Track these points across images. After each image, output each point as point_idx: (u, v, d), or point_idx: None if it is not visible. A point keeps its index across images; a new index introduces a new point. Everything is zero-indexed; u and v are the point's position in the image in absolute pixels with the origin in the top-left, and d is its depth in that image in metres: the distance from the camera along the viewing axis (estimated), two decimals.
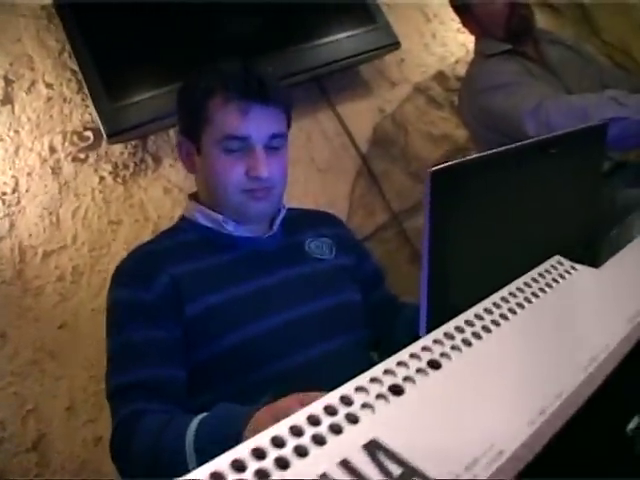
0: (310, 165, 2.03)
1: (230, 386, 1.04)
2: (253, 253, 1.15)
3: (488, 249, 0.53)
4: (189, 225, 1.19)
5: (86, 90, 1.70)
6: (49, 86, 1.79)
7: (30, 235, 1.74)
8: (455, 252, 0.51)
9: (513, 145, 0.53)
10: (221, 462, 0.36)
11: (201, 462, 0.39)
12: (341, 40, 1.99)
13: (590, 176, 0.68)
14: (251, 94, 1.07)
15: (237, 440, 0.46)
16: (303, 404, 0.59)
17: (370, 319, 1.20)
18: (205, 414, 0.87)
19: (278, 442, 0.37)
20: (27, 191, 1.77)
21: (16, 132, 1.81)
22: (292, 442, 0.38)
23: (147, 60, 1.80)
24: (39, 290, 1.69)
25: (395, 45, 2.12)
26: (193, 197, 1.22)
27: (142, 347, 1.00)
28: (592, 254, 0.71)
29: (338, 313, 1.16)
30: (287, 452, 0.37)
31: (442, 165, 0.47)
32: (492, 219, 0.53)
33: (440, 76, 2.36)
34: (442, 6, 2.43)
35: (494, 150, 0.52)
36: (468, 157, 0.50)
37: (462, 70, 2.17)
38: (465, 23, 1.95)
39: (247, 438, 0.41)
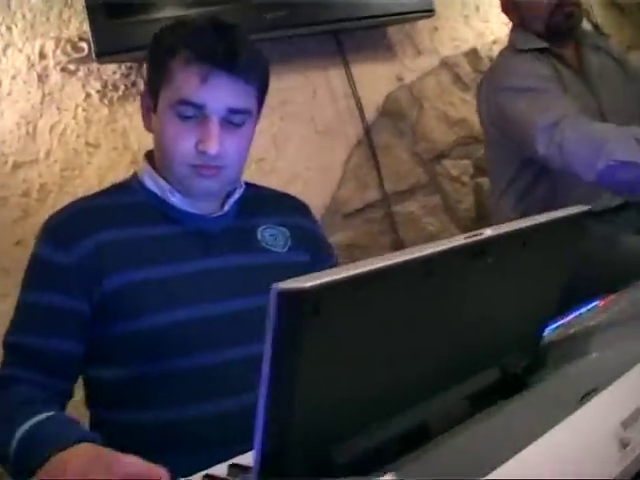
0: (309, 124, 1.96)
1: (147, 367, 1.00)
2: (195, 231, 1.10)
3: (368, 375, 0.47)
4: (138, 185, 1.13)
5: None
6: None
7: (3, 142, 1.69)
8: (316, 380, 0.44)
9: (422, 253, 0.46)
10: None
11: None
12: None
13: (553, 273, 0.61)
14: (216, 59, 0.99)
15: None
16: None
17: None
18: (41, 417, 0.84)
19: None
20: (9, 94, 1.73)
21: (8, 29, 1.76)
22: None
23: None
24: (2, 202, 1.65)
25: (429, 12, 2.01)
26: (147, 156, 1.14)
27: (42, 312, 1.02)
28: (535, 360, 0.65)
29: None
30: None
31: (293, 287, 0.40)
32: (375, 344, 0.47)
33: (473, 54, 2.25)
34: None
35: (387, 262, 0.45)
36: (334, 276, 0.42)
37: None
38: (504, 7, 1.82)
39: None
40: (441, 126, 2.13)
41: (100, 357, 1.04)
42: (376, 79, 2.09)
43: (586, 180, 1.41)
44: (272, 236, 1.17)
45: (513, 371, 0.62)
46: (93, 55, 1.70)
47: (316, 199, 1.93)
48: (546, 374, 0.64)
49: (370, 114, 2.06)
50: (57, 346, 0.99)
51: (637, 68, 1.91)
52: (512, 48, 1.80)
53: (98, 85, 1.82)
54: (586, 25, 2.58)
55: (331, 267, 1.25)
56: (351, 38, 2.05)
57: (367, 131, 2.01)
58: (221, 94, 1.01)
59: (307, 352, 0.42)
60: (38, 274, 1.04)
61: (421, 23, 2.17)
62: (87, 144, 1.79)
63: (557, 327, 0.82)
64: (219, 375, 1.01)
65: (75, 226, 1.05)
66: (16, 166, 1.72)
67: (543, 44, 1.73)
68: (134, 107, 1.82)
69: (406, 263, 0.44)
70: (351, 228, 1.95)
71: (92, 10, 1.67)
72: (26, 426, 0.82)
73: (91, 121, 1.80)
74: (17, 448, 0.81)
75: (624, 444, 0.47)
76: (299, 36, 1.94)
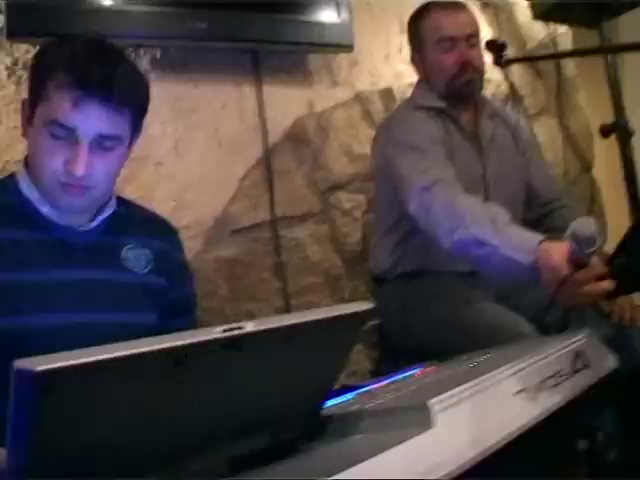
0: (213, 136, 2.01)
1: None
2: (59, 242, 1.17)
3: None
4: (13, 186, 1.18)
5: None
6: None
7: None
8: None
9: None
10: None
11: None
12: (290, 22, 1.97)
13: (326, 362, 0.68)
14: (89, 85, 1.05)
15: None
16: None
17: None
18: None
19: None
20: None
21: None
22: None
23: None
24: None
25: (347, 48, 2.10)
26: (26, 160, 1.18)
27: None
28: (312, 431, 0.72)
29: (123, 333, 1.14)
30: None
31: (28, 367, 0.45)
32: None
33: (387, 93, 2.36)
34: None
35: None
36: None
37: None
38: (413, 60, 1.92)
39: None
40: (342, 158, 2.22)
41: None
42: (287, 102, 2.16)
43: (443, 247, 1.51)
44: (136, 257, 1.24)
45: (282, 439, 0.69)
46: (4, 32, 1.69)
47: (207, 210, 2.00)
48: (320, 445, 0.71)
49: (276, 136, 2.13)
50: None
51: (528, 141, 2.05)
52: (412, 102, 1.92)
53: (8, 61, 1.81)
54: (502, 85, 2.74)
55: (186, 296, 1.33)
56: (269, 58, 2.12)
57: (267, 153, 2.07)
58: (92, 120, 1.07)
59: (41, 424, 0.48)
60: None
61: (342, 55, 2.25)
62: None
63: (354, 396, 0.90)
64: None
65: None
66: None
67: (441, 104, 1.85)
68: None
69: (154, 352, 0.50)
70: (236, 244, 2.01)
71: None
72: None
73: None
74: None
75: None
76: (217, 49, 1.98)
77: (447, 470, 0.59)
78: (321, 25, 2.06)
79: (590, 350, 0.97)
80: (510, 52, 2.77)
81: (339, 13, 2.10)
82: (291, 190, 2.13)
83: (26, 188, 1.17)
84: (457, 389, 0.68)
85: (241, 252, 2.01)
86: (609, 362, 1.01)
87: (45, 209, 1.15)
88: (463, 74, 1.83)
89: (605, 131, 2.09)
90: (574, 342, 0.97)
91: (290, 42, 2.04)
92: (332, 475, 0.51)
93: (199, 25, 1.88)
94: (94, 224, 1.20)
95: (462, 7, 1.90)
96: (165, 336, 0.54)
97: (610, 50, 2.12)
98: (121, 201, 1.30)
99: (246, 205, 2.05)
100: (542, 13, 2.48)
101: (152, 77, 1.97)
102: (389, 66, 2.38)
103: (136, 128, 1.19)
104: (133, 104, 1.13)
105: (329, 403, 0.77)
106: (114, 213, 1.24)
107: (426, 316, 1.68)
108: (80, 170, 1.07)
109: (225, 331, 0.56)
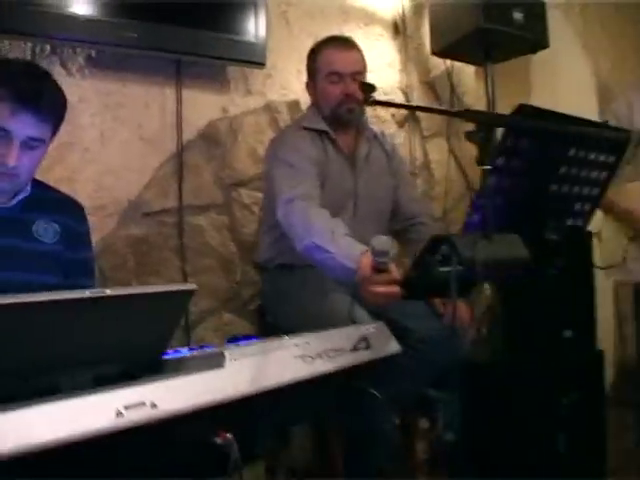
0: (135, 129, 2.34)
1: None
2: None
3: None
4: None
5: None
6: None
7: None
8: None
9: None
10: None
11: None
12: (210, 38, 2.28)
13: (157, 325, 1.05)
14: (24, 100, 1.40)
15: None
16: None
17: None
18: None
19: None
20: None
21: None
22: None
23: None
24: None
25: (260, 65, 2.44)
26: None
27: None
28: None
29: (31, 291, 1.48)
30: None
31: None
32: None
33: (294, 105, 2.71)
34: None
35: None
36: None
37: None
38: (307, 86, 2.28)
39: None
40: (247, 159, 2.57)
41: None
42: (203, 106, 2.51)
43: (297, 250, 1.89)
44: (45, 230, 1.60)
45: (131, 370, 1.05)
46: None
47: (123, 194, 2.33)
48: (157, 375, 1.06)
49: (190, 134, 2.47)
50: None
51: (399, 165, 2.45)
52: (299, 123, 2.30)
53: None
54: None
55: (86, 260, 1.70)
56: (191, 67, 2.45)
57: (181, 148, 2.41)
58: (24, 126, 1.42)
59: None
60: None
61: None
62: None
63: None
64: None
65: None
66: None
67: (323, 127, 2.22)
68: None
69: (43, 302, 0.86)
70: (146, 226, 2.35)
71: None
72: None
73: None
74: None
75: None
76: (145, 56, 2.30)
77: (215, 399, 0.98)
78: (238, 43, 2.41)
79: (375, 336, 1.36)
80: (414, 78, 3.22)
81: (256, 33, 2.46)
82: (199, 183, 2.48)
83: None
84: (250, 346, 1.06)
85: (149, 233, 2.36)
86: (390, 347, 1.40)
87: None
88: (345, 104, 2.20)
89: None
90: (366, 329, 1.36)
91: (210, 56, 2.39)
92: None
93: (131, 34, 2.20)
94: (12, 203, 1.58)
95: (353, 47, 2.28)
96: (53, 292, 0.90)
97: (455, 114, 2.50)
98: (37, 184, 1.66)
99: (158, 192, 2.40)
100: (438, 51, 2.89)
101: (86, 73, 2.30)
102: (299, 81, 2.73)
103: (55, 132, 1.54)
104: (55, 115, 1.50)
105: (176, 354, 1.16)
106: (29, 195, 1.61)
107: (292, 302, 2.07)
108: (12, 162, 1.43)
109: (92, 293, 0.92)
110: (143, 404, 0.88)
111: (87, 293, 0.91)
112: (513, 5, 2.64)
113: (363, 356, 1.29)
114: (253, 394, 1.02)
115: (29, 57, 2.20)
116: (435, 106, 3.23)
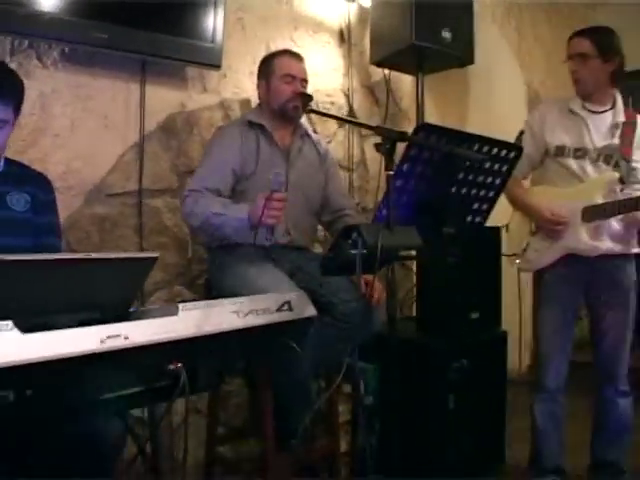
0: (102, 119, 2.66)
1: None
2: None
3: None
4: None
5: None
6: None
7: None
8: None
9: None
10: None
11: None
12: (172, 41, 2.64)
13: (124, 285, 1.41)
14: None
15: None
16: None
17: None
18: None
19: None
20: None
21: None
22: None
23: None
24: None
25: (215, 67, 2.80)
26: None
27: None
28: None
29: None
30: None
31: None
32: None
33: (246, 102, 3.07)
34: (285, 47, 3.10)
35: None
36: None
37: None
38: (259, 87, 2.65)
39: None
40: (201, 150, 2.92)
41: None
42: (164, 101, 2.85)
43: (194, 226, 2.45)
44: (17, 200, 1.94)
45: (106, 316, 1.40)
46: None
47: (89, 176, 2.65)
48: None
49: (151, 126, 2.80)
50: None
51: (330, 164, 2.87)
52: (244, 117, 2.68)
53: None
54: (344, 108, 3.51)
55: (54, 223, 2.06)
56: (154, 65, 2.77)
57: (142, 138, 2.75)
58: None
59: None
60: None
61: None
62: None
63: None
64: None
65: None
66: None
67: (262, 122, 2.62)
68: None
69: (37, 260, 1.21)
70: (109, 206, 2.69)
71: None
72: None
73: None
74: None
75: None
76: (115, 56, 2.62)
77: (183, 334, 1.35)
78: (197, 47, 2.75)
79: (296, 302, 1.74)
80: (356, 82, 3.60)
81: (214, 39, 2.80)
82: (157, 169, 2.83)
83: None
84: (197, 303, 1.44)
85: (112, 212, 2.69)
86: (308, 311, 1.79)
87: None
88: (293, 101, 2.58)
89: None
90: (289, 296, 1.74)
91: (171, 57, 2.72)
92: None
93: (102, 35, 2.52)
94: None
95: (303, 60, 2.71)
96: (44, 254, 1.26)
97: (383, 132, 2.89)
98: (9, 162, 1.98)
99: (120, 176, 2.73)
100: (377, 61, 3.28)
101: (60, 67, 2.61)
102: (251, 81, 3.07)
103: (17, 113, 1.87)
104: (16, 98, 1.84)
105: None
106: (2, 171, 1.93)
107: (233, 276, 2.43)
108: None
109: (73, 255, 1.28)
110: (119, 336, 1.25)
111: (79, 255, 1.27)
112: (442, 25, 3.04)
113: (286, 316, 1.68)
114: (198, 335, 1.39)
115: (8, 50, 2.51)
116: (360, 118, 3.64)
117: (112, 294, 1.38)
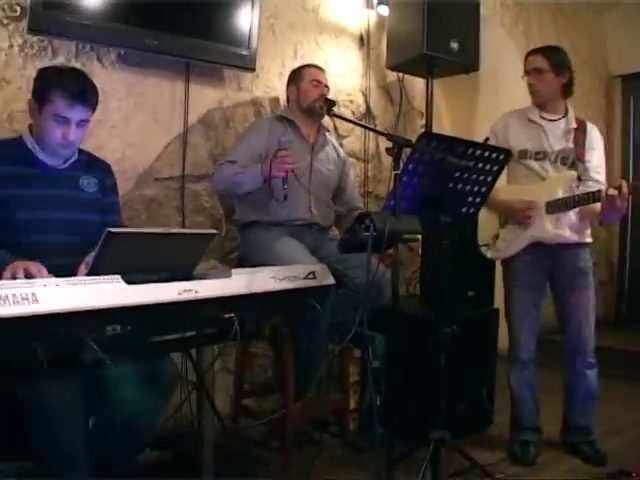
0: (151, 113, 3.12)
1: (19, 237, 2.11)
2: (48, 174, 2.27)
3: None
4: (22, 142, 2.28)
5: None
6: None
7: None
8: None
9: None
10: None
11: None
12: (213, 47, 3.09)
13: (189, 254, 1.88)
14: (75, 96, 2.17)
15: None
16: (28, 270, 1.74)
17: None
18: None
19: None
20: None
21: None
22: None
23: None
24: None
25: (250, 70, 3.24)
26: (30, 127, 2.31)
27: None
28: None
29: (81, 227, 2.26)
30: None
31: (112, 230, 1.61)
32: None
33: (275, 101, 3.53)
34: (310, 50, 3.54)
35: None
36: None
37: None
38: (289, 91, 3.14)
39: None
40: (234, 141, 3.36)
41: None
42: (205, 98, 3.30)
43: (220, 187, 3.01)
44: (88, 183, 2.40)
45: (176, 277, 1.87)
46: (25, 23, 2.71)
47: (139, 163, 3.11)
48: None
49: (193, 120, 3.27)
50: None
51: (344, 162, 3.37)
52: (276, 113, 3.18)
53: (20, 40, 2.82)
54: (362, 106, 3.95)
55: (115, 202, 2.52)
56: (197, 67, 3.22)
57: (185, 130, 3.21)
58: (77, 113, 2.22)
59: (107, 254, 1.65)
60: None
61: None
62: (2, 79, 2.79)
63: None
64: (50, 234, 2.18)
65: None
66: None
67: (292, 117, 3.14)
68: (38, 64, 2.85)
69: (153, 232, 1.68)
70: (156, 188, 3.15)
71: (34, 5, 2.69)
72: None
73: (8, 63, 2.81)
74: None
75: None
76: (164, 59, 3.08)
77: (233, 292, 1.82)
78: (235, 52, 3.20)
79: (319, 272, 2.21)
80: (373, 82, 4.04)
81: (249, 45, 3.25)
82: (197, 158, 3.29)
83: (30, 144, 2.28)
84: (245, 269, 1.91)
85: (159, 194, 3.16)
86: (329, 280, 2.26)
87: (41, 156, 2.27)
88: (319, 101, 3.05)
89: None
90: (313, 267, 2.22)
91: (212, 61, 3.18)
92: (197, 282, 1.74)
93: (153, 42, 2.98)
94: (66, 165, 2.33)
95: (325, 71, 3.22)
96: (141, 228, 1.72)
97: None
98: (81, 151, 2.42)
99: (166, 163, 3.20)
100: (392, 66, 3.72)
101: (116, 67, 3.06)
102: (281, 81, 3.52)
103: (93, 113, 2.32)
104: (95, 103, 2.29)
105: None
106: (76, 159, 2.37)
107: (263, 251, 2.90)
108: (71, 138, 2.22)
109: (159, 229, 1.75)
110: (191, 290, 1.72)
111: (163, 229, 1.74)
112: (451, 36, 3.47)
113: (311, 283, 2.15)
114: (246, 293, 1.86)
115: (74, 53, 2.96)
116: (376, 115, 4.10)
117: (183, 260, 1.85)
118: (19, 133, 2.68)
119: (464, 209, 2.69)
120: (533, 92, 3.13)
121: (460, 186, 2.57)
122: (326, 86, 3.16)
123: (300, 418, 3.03)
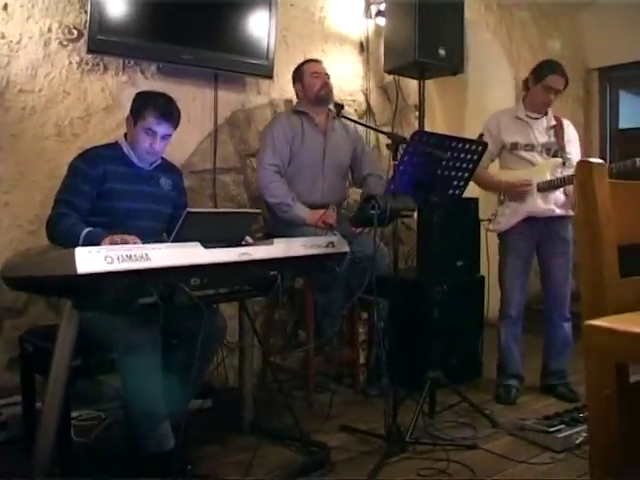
0: (185, 116, 3.67)
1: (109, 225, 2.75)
2: (139, 173, 2.93)
3: None
4: (119, 147, 2.95)
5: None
6: None
7: (16, 74, 3.26)
8: None
9: None
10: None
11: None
12: (237, 60, 3.76)
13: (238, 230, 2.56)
14: (164, 116, 2.80)
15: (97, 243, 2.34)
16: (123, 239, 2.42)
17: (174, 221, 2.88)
18: (90, 229, 2.60)
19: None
20: (25, 47, 3.28)
21: (32, 6, 3.29)
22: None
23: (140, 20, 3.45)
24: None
25: (269, 77, 3.89)
26: (125, 135, 2.94)
27: (79, 189, 2.74)
28: None
29: (159, 216, 2.92)
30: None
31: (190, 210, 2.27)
32: None
33: (289, 102, 4.21)
34: (318, 57, 4.20)
35: None
36: None
37: None
38: (296, 88, 3.89)
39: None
40: (255, 138, 4.04)
41: (94, 211, 2.80)
42: (230, 102, 3.97)
43: (268, 201, 3.63)
44: (166, 183, 3.06)
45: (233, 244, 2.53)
46: (83, 43, 3.36)
47: (177, 158, 3.73)
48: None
49: (221, 120, 3.93)
50: (83, 204, 2.75)
51: (356, 136, 4.03)
52: (290, 108, 3.91)
53: (77, 58, 3.46)
54: (362, 104, 4.61)
55: (184, 200, 3.15)
56: (223, 76, 3.87)
57: (215, 130, 3.87)
58: (164, 129, 2.88)
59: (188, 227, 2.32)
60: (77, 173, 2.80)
61: None
62: (64, 91, 3.43)
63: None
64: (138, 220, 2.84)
65: (93, 158, 2.82)
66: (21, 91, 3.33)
67: (305, 110, 3.81)
68: (92, 78, 3.50)
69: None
70: (193, 179, 3.81)
71: (93, 26, 3.34)
72: (85, 231, 2.58)
73: (68, 78, 3.45)
74: (84, 239, 2.55)
75: None
76: (196, 70, 3.73)
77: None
78: (254, 64, 3.86)
79: (337, 242, 2.89)
80: (372, 83, 4.69)
81: (267, 56, 3.90)
82: (225, 153, 3.95)
83: (125, 149, 2.93)
84: (282, 239, 2.58)
85: (195, 185, 3.82)
86: (344, 248, 2.94)
87: (134, 159, 2.93)
88: (324, 89, 3.75)
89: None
90: (333, 238, 2.89)
91: (237, 71, 3.84)
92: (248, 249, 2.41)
93: (187, 56, 3.64)
94: (152, 167, 2.99)
95: (321, 62, 3.89)
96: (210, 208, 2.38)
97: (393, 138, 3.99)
98: (162, 158, 3.06)
99: (199, 159, 3.85)
100: (388, 70, 4.37)
101: (156, 78, 3.71)
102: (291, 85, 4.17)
103: (175, 129, 2.97)
104: (177, 121, 2.94)
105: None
106: (159, 163, 3.03)
107: (287, 227, 3.55)
108: (157, 148, 2.87)
109: (222, 209, 2.41)
110: (247, 253, 2.38)
111: (224, 209, 2.40)
112: (439, 44, 4.11)
113: (331, 250, 2.83)
114: (284, 257, 2.54)
115: (121, 67, 3.61)
116: (375, 112, 4.76)
117: (237, 231, 2.52)
118: (79, 137, 3.37)
119: (450, 191, 3.35)
120: (547, 104, 3.79)
121: (446, 172, 3.23)
122: (326, 74, 3.82)
123: (319, 368, 3.71)
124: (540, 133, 3.79)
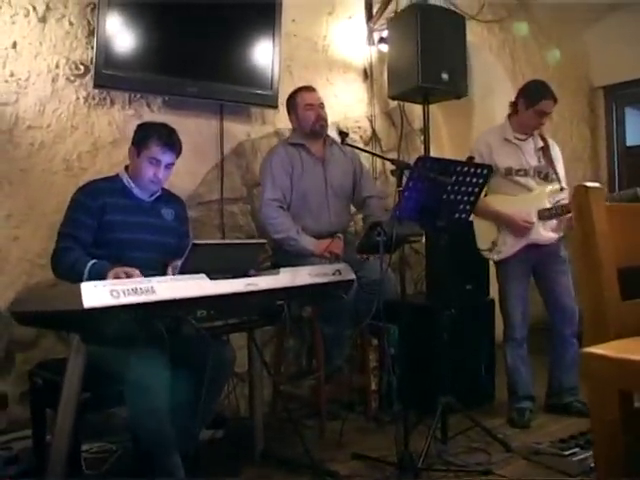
0: (192, 147, 3.81)
1: (112, 250, 2.79)
2: (139, 205, 2.96)
3: None
4: (119, 179, 2.98)
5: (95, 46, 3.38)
6: (71, 24, 3.43)
7: (25, 110, 3.31)
8: None
9: None
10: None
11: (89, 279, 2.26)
12: (242, 91, 3.80)
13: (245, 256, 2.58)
14: (168, 146, 2.87)
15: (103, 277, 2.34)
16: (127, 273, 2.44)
17: (178, 251, 2.92)
18: (94, 261, 2.63)
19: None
20: (33, 84, 3.33)
21: (40, 44, 3.35)
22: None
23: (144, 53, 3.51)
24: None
25: (274, 107, 3.93)
26: (126, 167, 2.96)
27: (81, 223, 2.78)
28: None
29: (161, 247, 2.93)
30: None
31: (195, 242, 2.29)
32: None
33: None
34: (322, 85, 4.22)
35: None
36: None
37: None
38: (290, 119, 3.89)
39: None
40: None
41: (95, 243, 2.84)
42: (236, 132, 4.01)
43: (272, 236, 3.60)
44: (167, 213, 3.08)
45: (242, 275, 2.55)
46: (90, 79, 3.41)
47: (185, 189, 3.80)
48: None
49: (227, 150, 3.96)
50: (87, 237, 2.78)
51: (356, 161, 4.02)
52: (286, 141, 3.89)
53: (84, 93, 3.52)
54: (368, 130, 4.64)
55: (187, 230, 3.17)
56: (228, 107, 3.92)
57: (222, 160, 3.91)
58: (167, 158, 2.93)
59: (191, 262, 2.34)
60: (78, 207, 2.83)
61: None
62: (72, 126, 3.48)
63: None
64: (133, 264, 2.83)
65: (93, 191, 2.86)
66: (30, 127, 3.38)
67: (301, 141, 3.81)
68: (99, 112, 3.55)
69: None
70: (199, 210, 3.84)
71: (98, 60, 3.39)
72: (89, 264, 2.62)
73: (76, 113, 3.50)
74: (89, 272, 2.60)
75: None
76: (201, 102, 3.78)
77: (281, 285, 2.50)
78: (259, 94, 3.90)
79: (343, 270, 2.90)
80: (377, 109, 4.72)
81: (272, 87, 3.95)
82: (232, 183, 3.98)
83: (126, 181, 2.97)
84: (289, 268, 2.59)
85: (202, 215, 3.85)
86: (350, 276, 2.94)
87: (135, 191, 2.96)
88: (318, 122, 3.76)
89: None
90: (339, 266, 2.90)
91: (241, 102, 3.89)
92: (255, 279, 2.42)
93: (192, 89, 3.69)
94: (152, 198, 3.02)
95: (315, 90, 3.87)
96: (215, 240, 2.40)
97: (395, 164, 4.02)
98: (162, 188, 3.10)
99: (206, 189, 3.89)
100: (392, 96, 4.40)
101: (162, 111, 3.75)
102: None
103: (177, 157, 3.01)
104: (180, 150, 2.98)
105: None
106: (160, 194, 3.06)
107: (294, 257, 3.57)
108: (160, 176, 2.91)
109: (226, 240, 2.43)
110: (252, 284, 2.40)
111: (229, 240, 2.42)
112: (442, 69, 4.14)
113: (337, 278, 2.84)
114: (290, 286, 2.55)
115: (127, 101, 3.66)
116: (381, 138, 4.80)
117: (243, 262, 2.54)
118: (87, 170, 3.41)
119: (456, 215, 3.35)
120: (538, 128, 3.81)
121: (452, 197, 3.24)
122: (320, 104, 3.81)
123: (330, 396, 3.71)
124: (530, 156, 3.80)
